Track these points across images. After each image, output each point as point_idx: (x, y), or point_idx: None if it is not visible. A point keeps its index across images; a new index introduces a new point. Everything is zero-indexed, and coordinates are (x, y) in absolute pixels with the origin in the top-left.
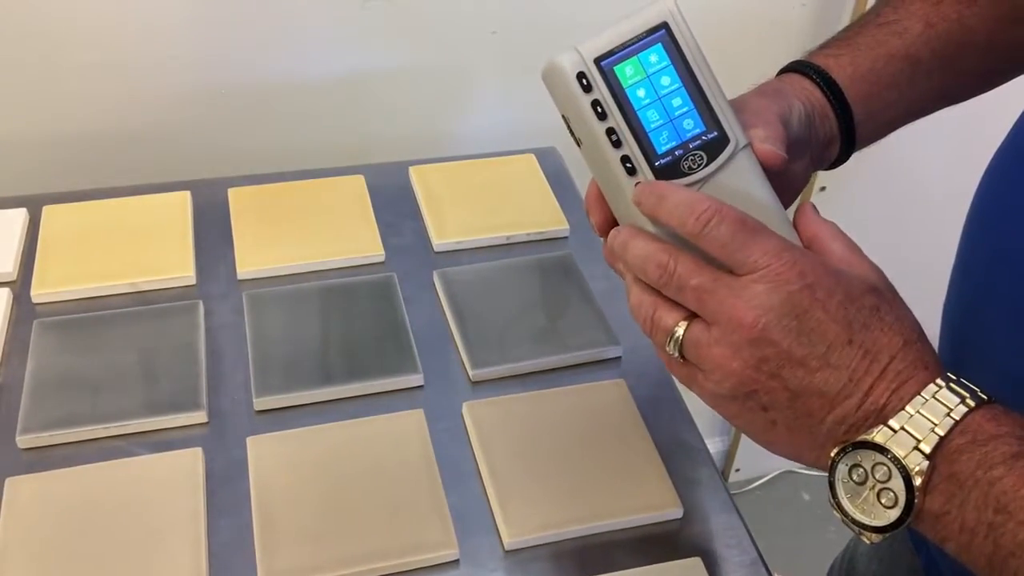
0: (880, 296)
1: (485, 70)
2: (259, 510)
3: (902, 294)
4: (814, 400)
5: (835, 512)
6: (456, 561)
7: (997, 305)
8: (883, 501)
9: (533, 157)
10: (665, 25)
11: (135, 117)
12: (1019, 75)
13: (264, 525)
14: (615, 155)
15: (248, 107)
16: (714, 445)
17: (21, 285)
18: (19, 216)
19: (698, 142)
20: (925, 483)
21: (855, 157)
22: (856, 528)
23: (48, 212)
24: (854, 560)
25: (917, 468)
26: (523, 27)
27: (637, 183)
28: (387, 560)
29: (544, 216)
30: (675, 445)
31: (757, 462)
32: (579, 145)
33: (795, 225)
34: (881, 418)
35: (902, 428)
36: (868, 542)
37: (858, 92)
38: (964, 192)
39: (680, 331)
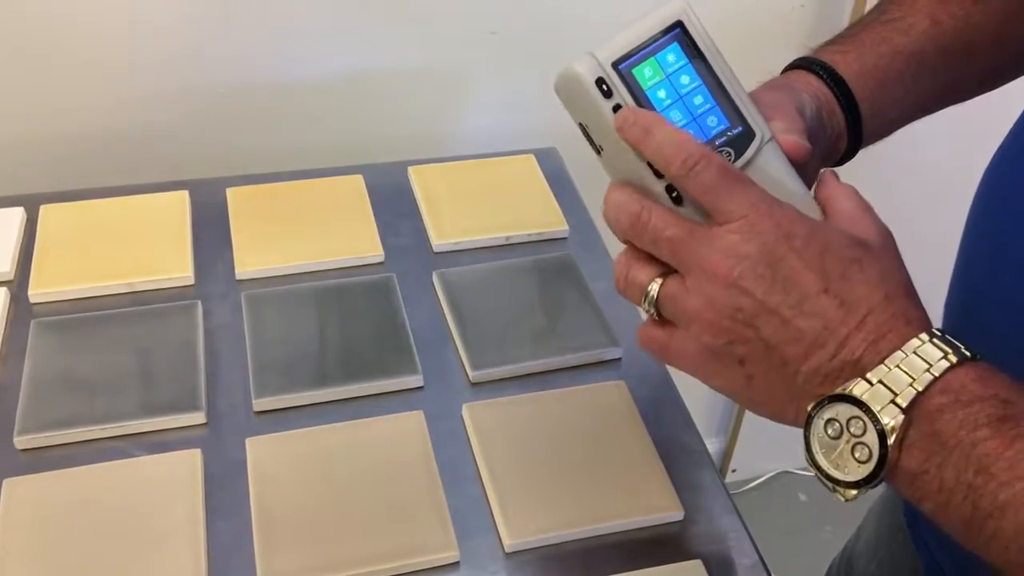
0: (866, 251)
1: (484, 70)
2: (258, 512)
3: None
4: (789, 349)
5: (810, 468)
6: (456, 563)
7: (1000, 302)
8: (857, 455)
9: (532, 157)
10: (680, 24)
11: (133, 116)
12: None
13: (264, 527)
14: (642, 159)
15: (247, 106)
16: (710, 445)
17: (18, 285)
18: (16, 215)
19: (724, 138)
20: (900, 439)
21: (861, 153)
22: (830, 484)
23: (45, 211)
24: (852, 561)
25: (892, 423)
26: (522, 27)
27: (664, 184)
28: (387, 562)
29: (544, 217)
30: (675, 447)
31: (753, 463)
32: (599, 153)
33: (815, 190)
34: (858, 370)
35: (879, 382)
36: (843, 499)
37: (864, 88)
38: (970, 187)
39: (655, 287)
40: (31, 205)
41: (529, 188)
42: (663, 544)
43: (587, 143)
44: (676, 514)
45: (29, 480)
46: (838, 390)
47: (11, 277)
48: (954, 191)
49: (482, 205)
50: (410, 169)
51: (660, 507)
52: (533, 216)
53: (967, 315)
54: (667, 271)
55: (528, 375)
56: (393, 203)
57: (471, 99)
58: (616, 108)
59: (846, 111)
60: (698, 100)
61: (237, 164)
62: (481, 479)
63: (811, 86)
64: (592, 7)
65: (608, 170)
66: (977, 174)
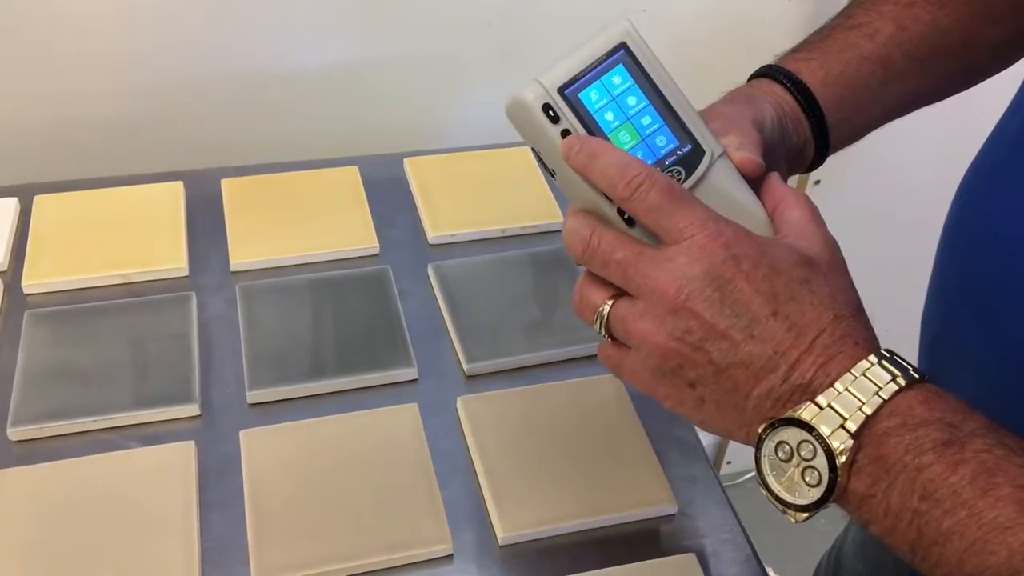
0: (813, 269)
1: (480, 62)
2: (252, 504)
3: (894, 291)
4: (739, 373)
5: (761, 490)
6: (450, 556)
7: (973, 318)
8: (807, 479)
9: (529, 150)
10: (624, 45)
11: (128, 106)
12: (995, 74)
13: (257, 519)
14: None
15: (242, 97)
16: (705, 437)
17: (12, 276)
18: (10, 206)
19: (674, 157)
20: (849, 463)
21: (849, 151)
22: (780, 507)
23: (39, 202)
24: (841, 558)
25: (841, 447)
26: (518, 18)
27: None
28: (380, 555)
29: (539, 209)
30: (669, 441)
31: (749, 455)
32: (553, 176)
33: (761, 194)
34: (809, 394)
35: (829, 405)
36: (794, 521)
37: (830, 96)
38: (947, 193)
39: (606, 309)
40: (25, 195)
41: (525, 181)
42: (657, 538)
43: (542, 166)
44: (670, 508)
45: (22, 472)
46: (788, 413)
47: (5, 268)
48: (931, 199)
49: (478, 197)
50: (406, 161)
51: (654, 501)
52: (529, 209)
53: (943, 330)
54: (620, 293)
55: (523, 368)
56: (388, 195)
57: (467, 91)
58: (565, 133)
59: (811, 119)
60: (646, 120)
61: (232, 155)
62: (475, 472)
63: (775, 95)
64: None
65: (563, 190)
66: (956, 179)
